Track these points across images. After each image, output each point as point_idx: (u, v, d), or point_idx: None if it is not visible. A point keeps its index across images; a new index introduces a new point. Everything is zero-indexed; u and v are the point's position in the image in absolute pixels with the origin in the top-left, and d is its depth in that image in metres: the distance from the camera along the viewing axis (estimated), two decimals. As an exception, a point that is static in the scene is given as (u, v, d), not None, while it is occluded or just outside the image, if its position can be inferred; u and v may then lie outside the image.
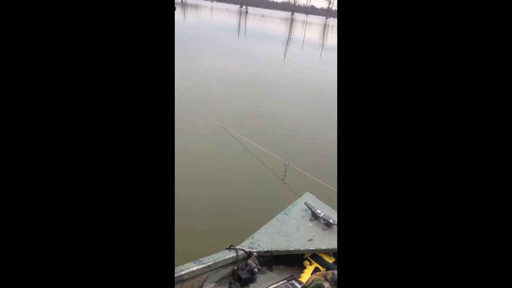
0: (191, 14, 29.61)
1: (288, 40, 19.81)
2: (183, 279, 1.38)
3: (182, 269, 1.40)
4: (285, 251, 1.60)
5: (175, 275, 1.36)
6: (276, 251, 1.60)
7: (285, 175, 3.27)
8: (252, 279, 1.52)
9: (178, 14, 27.62)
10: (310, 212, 1.81)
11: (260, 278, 1.56)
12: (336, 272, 0.90)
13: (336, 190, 0.67)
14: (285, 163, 3.33)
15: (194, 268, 1.41)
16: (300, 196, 1.98)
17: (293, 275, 1.60)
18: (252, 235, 1.68)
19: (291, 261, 1.68)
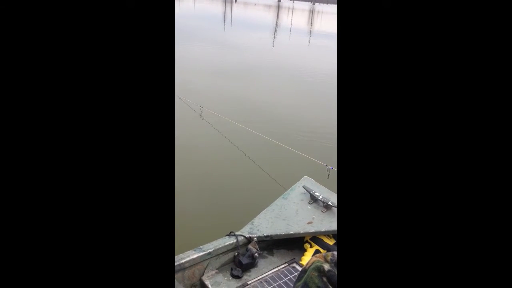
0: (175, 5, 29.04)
1: (276, 28, 19.64)
2: (184, 267, 1.37)
3: (182, 257, 1.38)
4: (285, 234, 1.60)
5: (176, 263, 1.34)
6: (276, 235, 1.59)
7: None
8: (253, 264, 1.51)
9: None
10: (308, 195, 1.81)
11: (261, 262, 1.55)
12: (336, 253, 0.89)
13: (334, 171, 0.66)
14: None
15: (195, 256, 1.40)
16: (299, 180, 1.98)
17: (294, 258, 1.60)
18: (252, 220, 1.67)
19: (292, 244, 1.67)
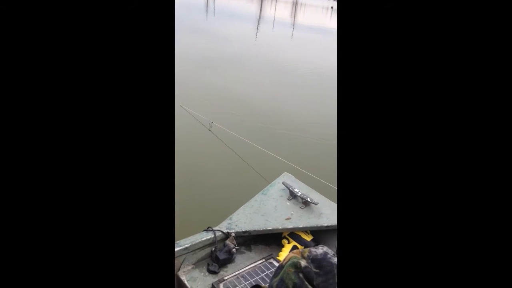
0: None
1: (259, 19, 19.49)
2: None
3: None
4: (263, 230, 1.60)
5: None
6: (254, 230, 1.59)
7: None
8: (230, 259, 1.51)
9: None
10: (288, 191, 1.81)
11: (239, 258, 1.55)
12: (313, 250, 0.90)
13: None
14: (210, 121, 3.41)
15: None
16: (278, 176, 1.98)
17: (272, 254, 1.60)
18: (230, 216, 1.66)
19: (269, 240, 1.68)
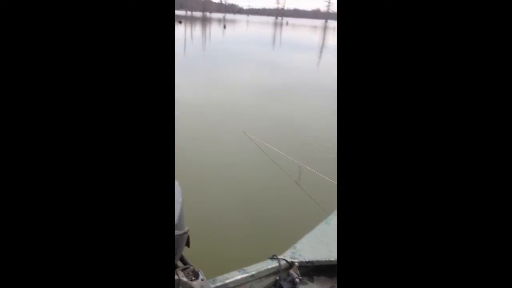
0: (228, 29, 30.35)
1: (322, 48, 19.68)
2: (228, 287, 1.42)
3: (227, 278, 1.43)
4: (326, 261, 1.59)
5: (220, 283, 1.40)
6: (318, 261, 1.59)
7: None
8: (293, 289, 1.52)
9: (215, 29, 28.35)
10: (351, 222, 1.79)
11: None
12: None
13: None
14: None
15: (239, 277, 1.44)
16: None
17: (334, 286, 1.58)
18: (294, 245, 1.69)
19: (332, 271, 1.66)
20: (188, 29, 26.07)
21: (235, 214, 2.80)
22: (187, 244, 1.19)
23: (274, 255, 1.60)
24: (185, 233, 1.13)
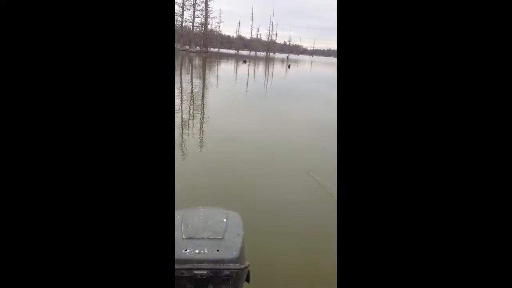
0: (292, 68, 31.29)
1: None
2: None
3: None
4: None
5: None
6: None
7: None
8: None
9: (278, 67, 29.43)
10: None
11: None
12: None
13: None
14: None
15: None
16: None
17: None
18: None
19: None
20: (252, 67, 27.34)
21: (295, 255, 2.64)
22: (247, 280, 1.10)
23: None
24: (246, 267, 1.05)
